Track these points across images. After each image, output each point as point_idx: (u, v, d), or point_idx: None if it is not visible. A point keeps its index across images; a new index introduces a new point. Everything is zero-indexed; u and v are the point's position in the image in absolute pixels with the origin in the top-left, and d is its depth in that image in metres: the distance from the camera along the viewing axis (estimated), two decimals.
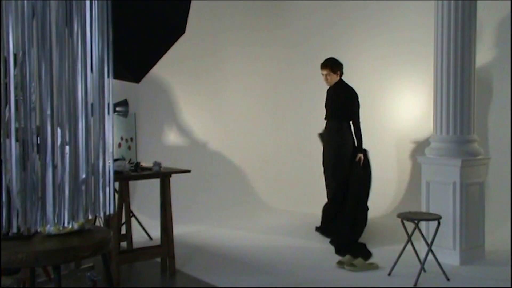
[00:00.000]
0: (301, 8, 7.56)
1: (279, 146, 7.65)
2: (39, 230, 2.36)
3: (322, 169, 5.49)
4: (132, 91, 5.75)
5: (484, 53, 5.59)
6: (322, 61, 5.53)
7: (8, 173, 1.69)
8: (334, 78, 5.44)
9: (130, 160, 4.19)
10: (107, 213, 1.91)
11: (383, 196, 5.81)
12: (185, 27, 4.32)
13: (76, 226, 2.44)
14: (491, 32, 5.68)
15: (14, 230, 1.74)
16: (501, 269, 4.21)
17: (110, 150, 1.93)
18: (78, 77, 1.80)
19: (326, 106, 5.54)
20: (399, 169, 6.47)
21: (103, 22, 1.84)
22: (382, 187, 5.88)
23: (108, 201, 1.89)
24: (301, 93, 7.55)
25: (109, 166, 1.90)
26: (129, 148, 4.29)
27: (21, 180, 1.70)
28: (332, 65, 5.43)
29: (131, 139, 4.33)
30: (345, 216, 5.16)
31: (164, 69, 6.34)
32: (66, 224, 2.31)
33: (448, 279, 3.94)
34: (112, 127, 1.94)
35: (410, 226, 4.04)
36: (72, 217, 1.82)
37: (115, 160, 4.23)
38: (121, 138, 4.36)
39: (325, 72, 5.46)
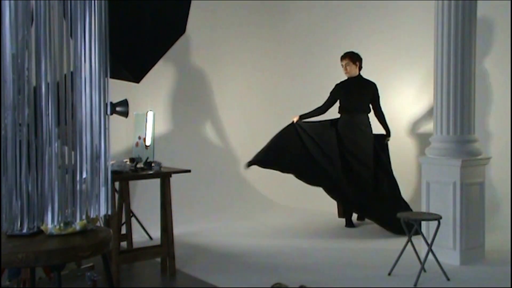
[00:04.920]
0: (300, 3, 7.58)
1: None
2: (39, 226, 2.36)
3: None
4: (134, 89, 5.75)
5: (484, 53, 5.59)
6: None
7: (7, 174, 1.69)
8: (354, 69, 5.78)
9: (147, 158, 4.18)
10: (105, 213, 1.91)
11: None
12: (185, 27, 4.32)
13: (78, 227, 2.43)
14: (491, 32, 5.68)
15: (16, 229, 1.73)
16: (501, 269, 4.21)
17: (109, 149, 1.93)
18: (78, 76, 1.80)
19: (351, 99, 5.74)
20: (399, 169, 6.47)
21: (102, 22, 1.84)
22: None
23: (105, 202, 1.88)
24: (302, 87, 7.55)
25: (106, 166, 1.89)
26: (146, 147, 4.29)
27: (19, 180, 1.70)
28: (351, 55, 5.75)
29: (145, 139, 4.32)
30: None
31: (165, 64, 6.34)
32: (62, 224, 2.32)
33: (448, 279, 3.93)
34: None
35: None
36: (72, 217, 1.82)
37: (131, 159, 4.24)
38: (139, 138, 4.37)
39: (344, 62, 5.77)
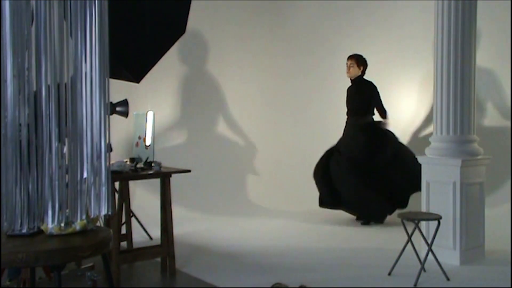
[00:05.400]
0: (300, 3, 7.57)
1: (280, 144, 7.64)
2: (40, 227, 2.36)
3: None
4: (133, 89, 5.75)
5: (484, 53, 5.60)
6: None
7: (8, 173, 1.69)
8: (356, 71, 5.80)
9: (147, 158, 4.18)
10: (105, 213, 1.91)
11: None
12: (185, 27, 4.33)
13: (78, 227, 2.43)
14: (491, 31, 5.69)
15: (16, 229, 1.73)
16: (501, 269, 4.21)
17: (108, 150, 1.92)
18: (78, 76, 1.80)
19: (349, 101, 5.93)
20: None
21: (102, 22, 1.84)
22: None
23: (105, 201, 1.88)
24: (303, 87, 7.56)
25: (106, 166, 1.89)
26: (146, 147, 4.28)
27: (19, 180, 1.70)
28: (358, 58, 5.84)
29: (145, 139, 4.31)
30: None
31: (164, 64, 6.34)
32: (63, 224, 2.32)
33: (448, 279, 3.93)
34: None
35: (410, 226, 4.04)
36: (73, 217, 1.82)
37: (131, 159, 4.23)
38: (139, 138, 4.36)
39: (349, 62, 5.86)
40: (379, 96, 5.82)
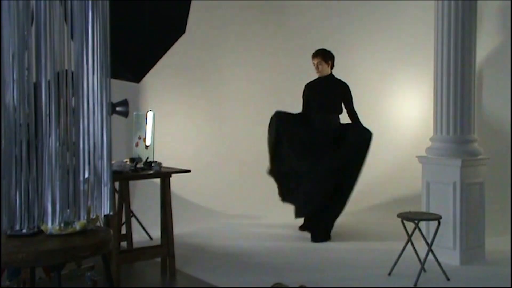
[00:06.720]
0: (300, 4, 7.57)
1: None
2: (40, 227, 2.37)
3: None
4: (133, 91, 5.75)
5: (484, 52, 5.59)
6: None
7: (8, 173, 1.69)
8: (326, 68, 5.48)
9: (147, 158, 4.18)
10: (106, 213, 1.91)
11: (383, 195, 5.81)
12: (185, 27, 4.34)
13: (78, 227, 2.43)
14: (491, 30, 5.69)
15: (17, 228, 1.73)
16: (501, 269, 4.21)
17: (110, 149, 1.93)
18: (78, 76, 1.80)
19: (318, 100, 5.49)
20: (399, 168, 6.47)
21: (103, 22, 1.84)
22: (382, 187, 5.88)
23: (106, 202, 1.88)
24: (302, 86, 7.54)
25: (108, 166, 1.89)
26: (146, 147, 4.28)
27: (19, 180, 1.70)
28: (324, 54, 5.47)
29: (145, 139, 4.31)
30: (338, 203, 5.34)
31: (162, 67, 6.33)
32: (62, 224, 2.32)
33: (448, 279, 3.94)
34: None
35: (410, 226, 4.04)
36: (74, 217, 1.82)
37: (131, 159, 4.24)
38: (139, 138, 4.37)
39: (316, 61, 5.48)
40: (351, 98, 5.47)
